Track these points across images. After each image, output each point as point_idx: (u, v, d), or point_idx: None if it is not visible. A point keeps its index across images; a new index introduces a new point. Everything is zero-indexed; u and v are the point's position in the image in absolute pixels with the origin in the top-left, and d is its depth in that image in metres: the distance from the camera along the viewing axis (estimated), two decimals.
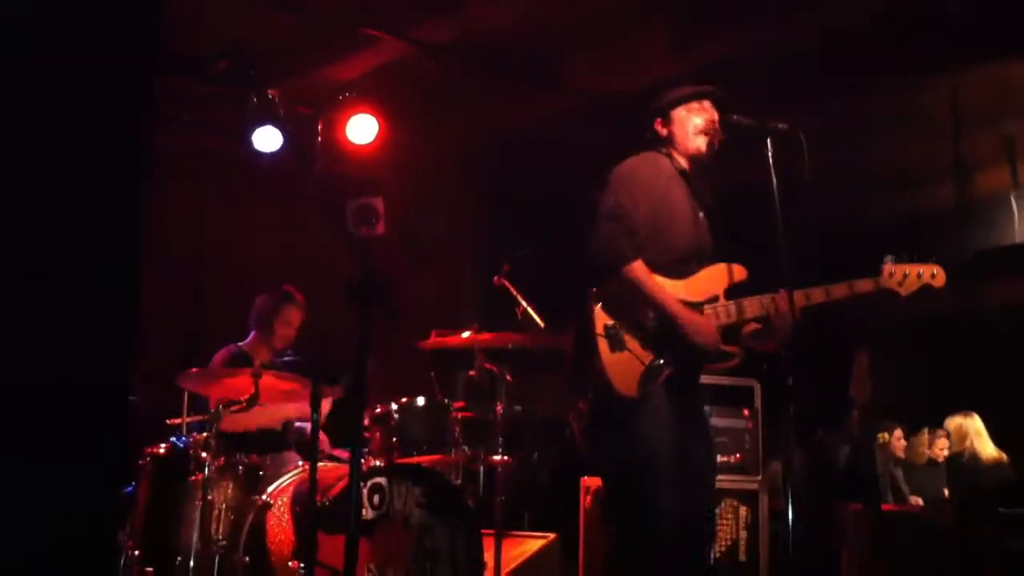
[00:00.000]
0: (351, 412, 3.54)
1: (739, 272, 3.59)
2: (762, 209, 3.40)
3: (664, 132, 3.71)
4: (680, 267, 3.54)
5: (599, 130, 4.21)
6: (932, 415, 8.13)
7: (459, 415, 4.78)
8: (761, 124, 3.54)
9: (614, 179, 3.57)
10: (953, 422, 7.72)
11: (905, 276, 3.61)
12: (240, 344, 5.26)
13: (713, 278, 3.58)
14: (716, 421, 5.16)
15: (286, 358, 5.25)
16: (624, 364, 3.39)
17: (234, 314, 5.56)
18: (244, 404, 4.27)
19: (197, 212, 6.97)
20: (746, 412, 5.22)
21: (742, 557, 5.02)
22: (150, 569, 4.26)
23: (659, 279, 3.47)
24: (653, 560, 3.35)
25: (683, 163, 3.69)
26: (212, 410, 4.37)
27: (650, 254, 3.45)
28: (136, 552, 4.27)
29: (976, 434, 7.54)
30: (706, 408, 5.03)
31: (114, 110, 2.11)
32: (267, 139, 4.85)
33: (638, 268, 3.41)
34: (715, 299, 3.54)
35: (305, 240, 6.96)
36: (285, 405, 4.93)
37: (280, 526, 4.26)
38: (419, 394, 4.71)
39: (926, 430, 8.11)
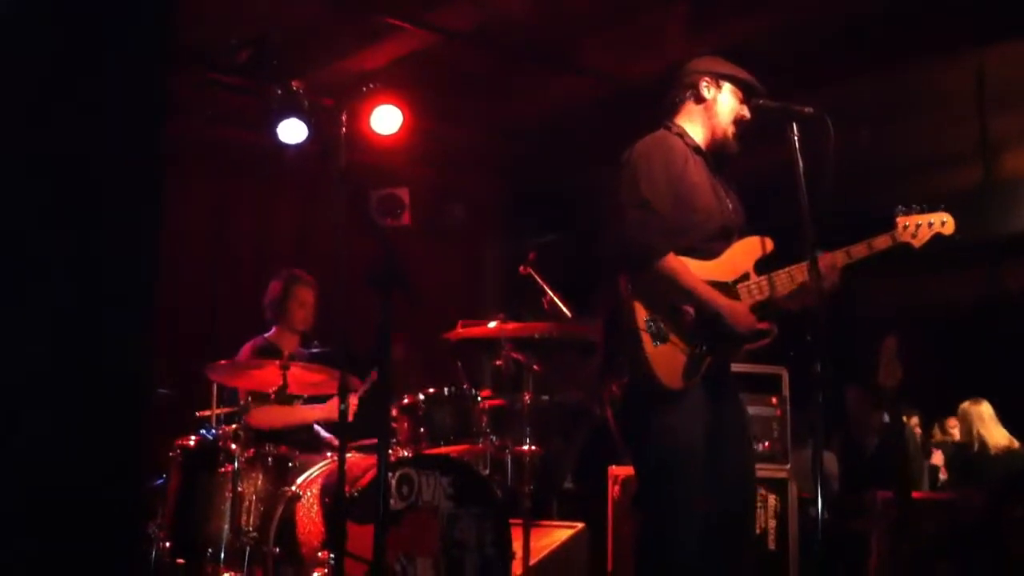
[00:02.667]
0: (378, 402, 3.54)
1: (768, 244, 3.54)
2: (782, 189, 3.39)
3: (707, 96, 3.63)
4: (709, 246, 3.49)
5: (622, 114, 4.19)
6: (953, 401, 8.07)
7: (486, 405, 4.78)
8: (786, 108, 3.52)
9: (631, 164, 3.49)
10: (964, 408, 7.59)
11: (918, 227, 3.59)
12: (266, 336, 5.28)
13: (742, 254, 3.53)
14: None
15: (314, 349, 5.26)
16: (667, 356, 3.35)
17: (255, 304, 5.58)
18: (273, 396, 4.29)
19: (218, 201, 6.99)
20: (774, 400, 5.19)
21: (771, 546, 5.00)
22: (181, 560, 4.29)
23: (690, 263, 3.42)
24: (679, 551, 3.32)
25: (697, 140, 3.63)
26: (241, 402, 4.40)
27: (678, 238, 3.41)
28: (167, 544, 4.30)
29: (983, 422, 7.38)
30: None
31: (130, 101, 2.10)
32: (292, 131, 4.85)
33: (672, 260, 3.37)
34: (746, 276, 3.50)
35: (328, 231, 6.98)
36: (313, 408, 4.94)
37: (309, 517, 4.28)
38: (446, 384, 4.71)
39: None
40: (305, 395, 4.92)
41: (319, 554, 4.12)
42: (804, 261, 3.38)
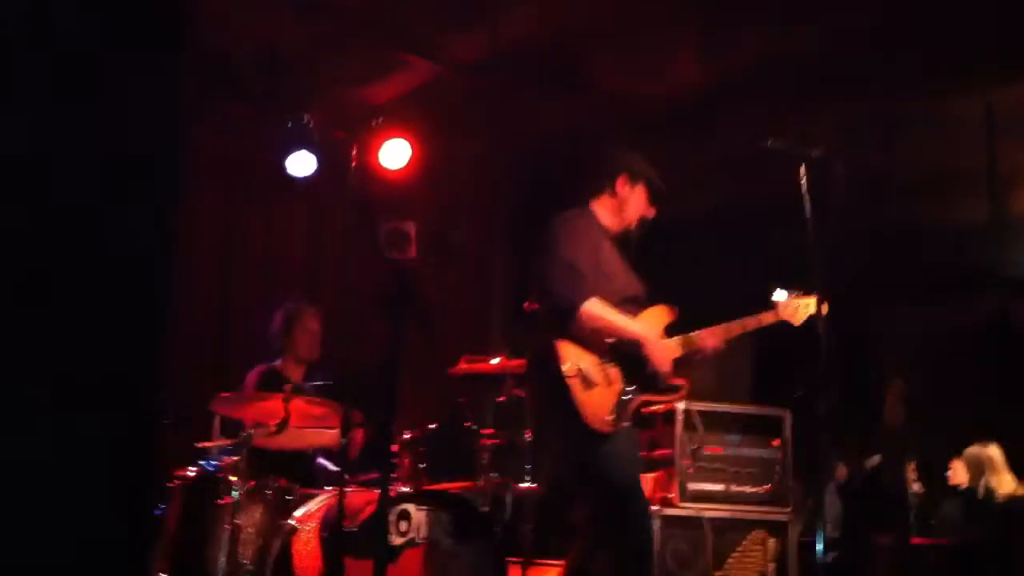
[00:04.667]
0: (381, 437, 3.55)
1: (672, 312, 3.97)
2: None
3: (623, 192, 4.06)
4: (625, 308, 3.85)
5: (633, 138, 4.25)
6: (963, 435, 8.02)
7: (487, 442, 4.77)
8: (796, 149, 3.54)
9: (558, 231, 3.89)
10: (969, 453, 7.45)
11: (797, 309, 4.05)
12: (272, 363, 5.28)
13: (654, 318, 3.94)
14: (745, 451, 5.11)
15: (318, 382, 5.25)
16: (596, 399, 3.69)
17: (263, 329, 5.58)
18: (274, 429, 4.28)
19: (227, 224, 6.98)
20: (776, 442, 5.17)
21: None
22: None
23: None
24: (651, 565, 3.85)
25: (607, 223, 4.06)
26: (244, 433, 4.38)
27: (599, 295, 3.75)
28: (164, 574, 4.28)
29: (992, 467, 7.22)
30: (734, 437, 5.05)
31: (145, 120, 2.10)
32: (302, 164, 4.88)
33: (595, 303, 3.71)
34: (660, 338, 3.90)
35: (335, 253, 6.99)
36: (321, 433, 4.93)
37: (307, 551, 4.26)
38: (448, 420, 4.70)
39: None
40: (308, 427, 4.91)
41: None
42: (709, 327, 3.92)
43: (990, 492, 7.16)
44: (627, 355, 3.77)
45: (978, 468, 7.28)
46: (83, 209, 2.01)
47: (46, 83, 1.97)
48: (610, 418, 3.69)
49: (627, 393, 3.75)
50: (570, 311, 3.69)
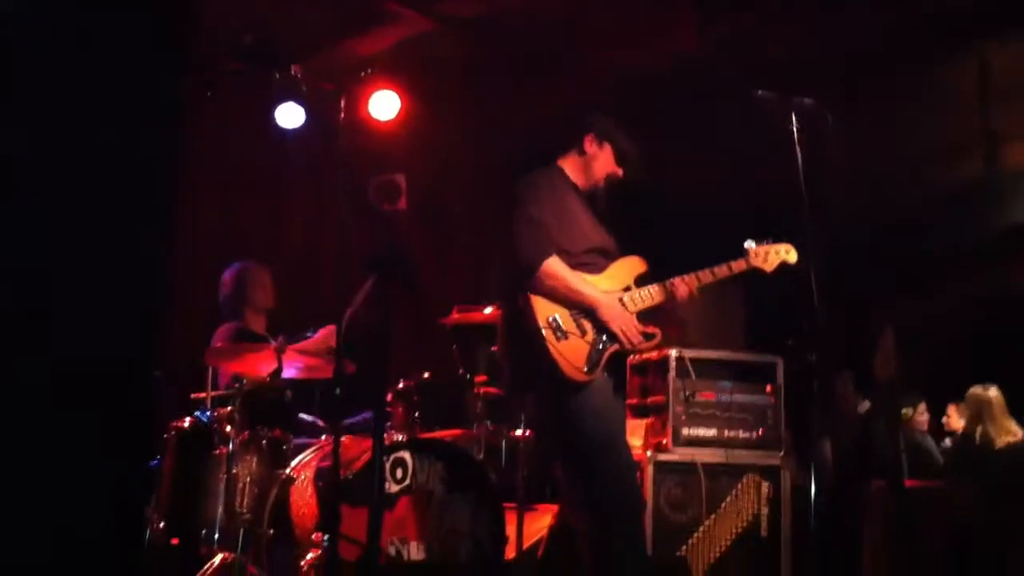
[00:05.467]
0: (376, 384, 3.58)
1: (642, 264, 4.07)
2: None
3: (590, 150, 4.14)
4: (593, 260, 3.95)
5: (623, 107, 4.26)
6: (959, 393, 8.05)
7: (481, 391, 4.80)
8: (786, 100, 3.54)
9: (519, 190, 3.93)
10: (970, 394, 7.16)
11: (767, 255, 4.09)
12: (237, 323, 5.30)
13: (624, 270, 4.03)
14: (738, 397, 5.15)
15: (308, 334, 5.26)
16: (571, 350, 3.74)
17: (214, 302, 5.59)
18: (268, 379, 4.31)
19: (224, 191, 6.99)
20: (768, 388, 5.21)
21: (763, 532, 5.03)
22: (175, 542, 4.31)
23: (579, 274, 3.86)
24: (636, 522, 3.88)
25: (576, 180, 4.14)
26: (237, 384, 4.40)
27: (562, 250, 3.83)
28: (161, 525, 4.32)
29: (991, 411, 6.93)
30: (727, 383, 5.09)
31: (141, 101, 2.11)
32: (290, 116, 4.87)
33: (555, 263, 3.78)
34: (628, 288, 3.99)
35: (332, 217, 6.98)
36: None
37: (304, 499, 4.30)
38: (441, 369, 4.72)
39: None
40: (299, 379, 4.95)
41: (313, 536, 4.13)
42: (679, 276, 4.00)
43: (987, 440, 6.94)
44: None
45: (977, 412, 7.04)
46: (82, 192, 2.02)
47: (45, 74, 1.97)
48: (584, 368, 3.73)
49: (601, 343, 3.80)
50: (530, 269, 3.75)
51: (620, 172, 4.16)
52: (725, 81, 6.21)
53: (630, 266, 4.06)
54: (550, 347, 3.70)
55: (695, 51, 6.39)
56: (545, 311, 3.75)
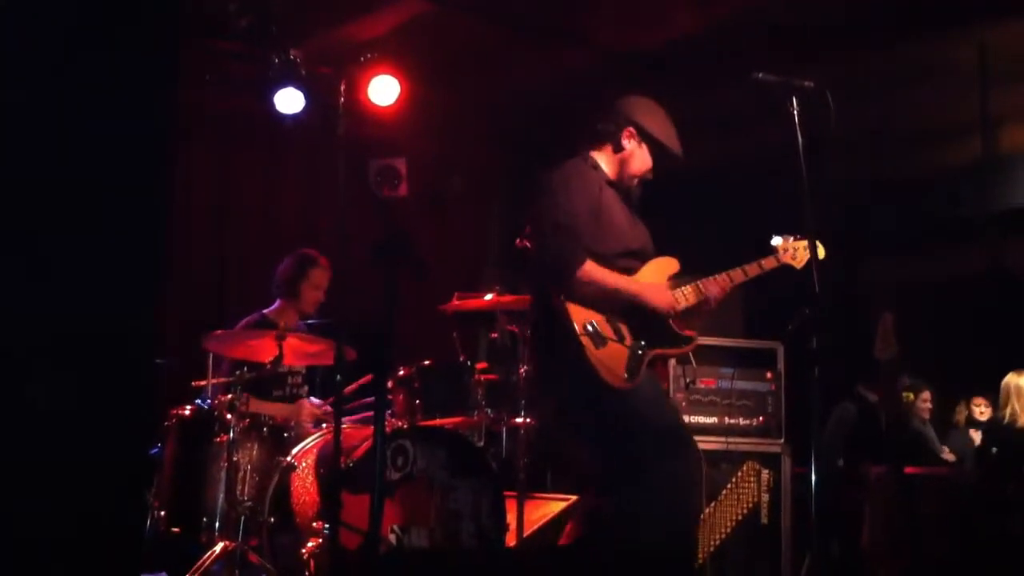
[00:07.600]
0: (379, 375, 3.55)
1: (675, 264, 3.91)
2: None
3: (626, 146, 3.91)
4: (626, 263, 3.79)
5: (624, 88, 4.18)
6: (960, 377, 8.04)
7: (482, 377, 4.78)
8: (786, 82, 3.51)
9: (550, 189, 3.76)
10: (1005, 381, 7.15)
11: (796, 251, 3.98)
12: (265, 311, 5.19)
13: (658, 270, 3.88)
14: (739, 384, 5.15)
15: (310, 321, 5.25)
16: (610, 357, 3.60)
17: (260, 277, 5.54)
18: (269, 366, 4.30)
19: (222, 174, 6.97)
20: (769, 375, 5.20)
21: (764, 520, 5.03)
22: (176, 529, 4.31)
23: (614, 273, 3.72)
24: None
25: (610, 174, 3.93)
26: (238, 372, 4.39)
27: (595, 253, 3.68)
28: (162, 512, 4.32)
29: (1019, 394, 6.99)
30: (728, 370, 5.08)
31: (137, 78, 2.10)
32: (289, 100, 4.83)
33: (589, 267, 3.63)
34: None
35: (331, 201, 6.95)
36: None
37: (305, 487, 4.30)
38: (442, 356, 4.71)
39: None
40: (302, 365, 4.94)
41: (314, 524, 4.13)
42: (710, 276, 3.85)
43: (1013, 419, 6.97)
44: (631, 311, 3.70)
45: (1007, 395, 7.08)
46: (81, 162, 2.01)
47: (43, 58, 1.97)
48: (625, 375, 3.61)
49: (640, 347, 3.67)
50: (564, 275, 3.62)
51: (652, 174, 3.99)
52: (724, 62, 6.19)
53: (664, 266, 3.91)
54: (589, 355, 3.57)
55: (693, 30, 6.34)
56: (581, 317, 3.62)
